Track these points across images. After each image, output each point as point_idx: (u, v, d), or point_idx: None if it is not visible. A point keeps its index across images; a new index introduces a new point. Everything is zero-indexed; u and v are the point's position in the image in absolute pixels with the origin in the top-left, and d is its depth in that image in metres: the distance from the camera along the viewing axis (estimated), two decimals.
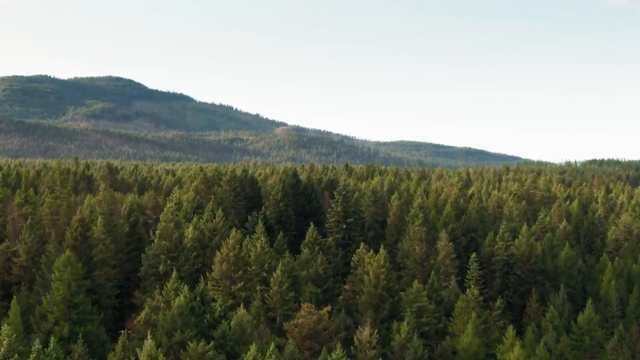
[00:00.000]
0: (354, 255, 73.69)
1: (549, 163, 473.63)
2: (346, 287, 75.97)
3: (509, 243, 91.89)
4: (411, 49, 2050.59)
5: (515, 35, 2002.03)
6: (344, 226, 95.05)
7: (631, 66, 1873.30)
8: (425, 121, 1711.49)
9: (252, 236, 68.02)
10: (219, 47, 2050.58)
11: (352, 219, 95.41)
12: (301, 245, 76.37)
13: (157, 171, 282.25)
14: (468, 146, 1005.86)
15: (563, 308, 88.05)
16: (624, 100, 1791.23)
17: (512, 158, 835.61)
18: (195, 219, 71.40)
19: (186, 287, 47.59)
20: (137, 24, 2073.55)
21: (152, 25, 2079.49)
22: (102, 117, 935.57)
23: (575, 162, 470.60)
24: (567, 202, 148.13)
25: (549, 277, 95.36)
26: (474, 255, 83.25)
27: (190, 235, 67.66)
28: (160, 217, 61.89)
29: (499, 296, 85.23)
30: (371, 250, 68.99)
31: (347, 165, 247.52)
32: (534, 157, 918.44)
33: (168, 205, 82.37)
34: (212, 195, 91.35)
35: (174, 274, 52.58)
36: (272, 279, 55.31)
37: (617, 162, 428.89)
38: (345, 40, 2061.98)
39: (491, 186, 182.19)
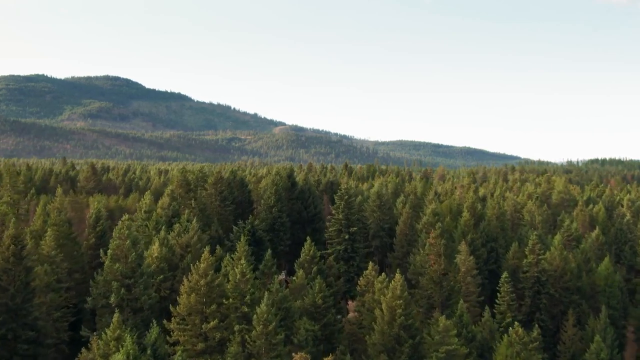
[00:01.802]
0: (361, 278, 59.97)
1: (550, 163, 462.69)
2: (350, 315, 62.50)
3: (540, 257, 78.34)
4: (410, 48, 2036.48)
5: (514, 35, 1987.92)
6: (347, 236, 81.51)
7: (630, 66, 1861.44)
8: (424, 121, 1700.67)
9: (233, 255, 54.63)
10: (217, 47, 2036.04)
11: (355, 228, 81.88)
12: (295, 265, 63.03)
13: (146, 172, 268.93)
14: (467, 146, 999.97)
15: (605, 334, 74.49)
16: (623, 101, 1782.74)
17: (512, 157, 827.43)
18: (162, 233, 57.84)
19: (130, 338, 34.24)
20: (134, 23, 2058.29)
21: (150, 25, 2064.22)
22: (99, 117, 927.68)
23: (578, 161, 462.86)
24: (591, 206, 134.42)
25: (586, 296, 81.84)
26: (505, 275, 69.65)
27: (156, 254, 54.23)
28: (114, 232, 48.61)
29: (534, 322, 71.70)
30: (383, 274, 55.30)
31: (346, 165, 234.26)
32: (533, 156, 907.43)
33: (137, 213, 68.94)
34: (192, 201, 77.90)
35: (116, 316, 39.06)
36: (255, 315, 42.10)
37: (619, 162, 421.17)
38: (344, 40, 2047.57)
39: (504, 188, 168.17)
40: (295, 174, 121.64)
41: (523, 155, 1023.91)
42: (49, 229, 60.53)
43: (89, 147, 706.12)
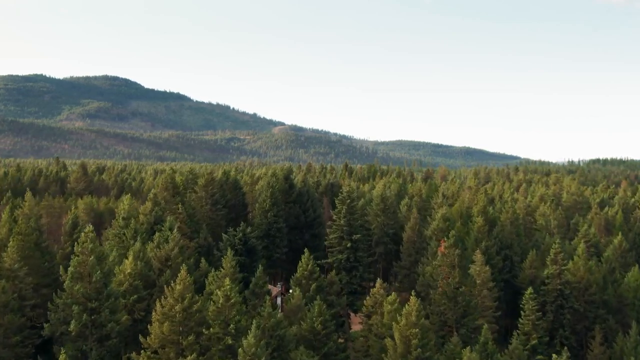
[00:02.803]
0: (368, 297, 52.31)
1: (551, 163, 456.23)
2: (354, 331, 54.92)
3: (563, 267, 70.81)
4: (409, 48, 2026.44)
5: (513, 35, 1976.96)
6: (349, 244, 74.04)
7: (630, 66, 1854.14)
8: (423, 121, 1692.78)
9: (218, 271, 47.01)
10: (216, 47, 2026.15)
11: (358, 235, 74.40)
12: (291, 281, 55.54)
13: (140, 172, 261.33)
14: (467, 146, 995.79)
15: (636, 353, 66.96)
16: (622, 101, 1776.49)
17: (511, 157, 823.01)
18: (138, 244, 50.08)
19: None
20: (133, 23, 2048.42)
21: (149, 25, 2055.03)
22: (97, 117, 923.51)
23: (579, 161, 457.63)
24: (607, 209, 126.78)
25: (613, 310, 74.29)
26: (529, 291, 62.01)
27: (129, 270, 46.61)
28: (75, 247, 41.06)
29: (556, 340, 64.24)
30: (393, 294, 47.51)
31: (346, 165, 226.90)
32: (533, 156, 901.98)
33: (114, 221, 61.33)
34: (178, 206, 70.46)
35: (62, 356, 31.57)
36: (241, 349, 34.57)
37: (621, 162, 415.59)
38: (344, 40, 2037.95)
39: (511, 189, 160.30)
40: (293, 175, 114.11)
41: (523, 155, 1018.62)
42: (12, 239, 53.00)
43: (87, 147, 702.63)
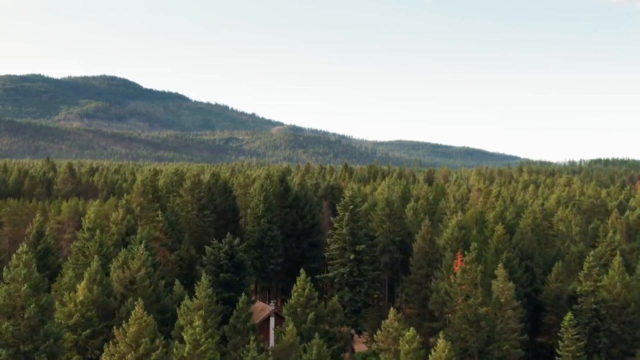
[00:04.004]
0: (379, 331, 42.99)
1: (551, 163, 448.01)
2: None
3: (598, 284, 61.75)
4: (408, 48, 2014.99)
5: (512, 35, 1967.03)
6: (352, 256, 64.97)
7: (629, 66, 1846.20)
8: (422, 121, 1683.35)
9: (193, 297, 37.86)
10: (215, 47, 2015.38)
11: (363, 246, 65.33)
12: (284, 308, 46.36)
13: (134, 173, 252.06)
14: (466, 146, 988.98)
15: None
16: (621, 101, 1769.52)
17: (511, 157, 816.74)
18: (94, 264, 40.58)
19: None
20: (132, 23, 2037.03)
21: (147, 25, 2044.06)
22: (95, 117, 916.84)
23: (580, 161, 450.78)
24: (628, 213, 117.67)
25: None
26: (569, 316, 52.82)
27: (81, 298, 37.36)
28: (4, 272, 31.99)
29: None
30: (412, 329, 38.28)
31: (346, 166, 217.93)
32: (532, 156, 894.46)
33: (79, 232, 51.98)
34: (158, 213, 61.39)
35: None
36: None
37: (623, 162, 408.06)
38: (343, 40, 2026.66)
39: (522, 191, 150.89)
40: (289, 177, 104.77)
41: (522, 155, 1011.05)
42: None
43: (84, 147, 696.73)
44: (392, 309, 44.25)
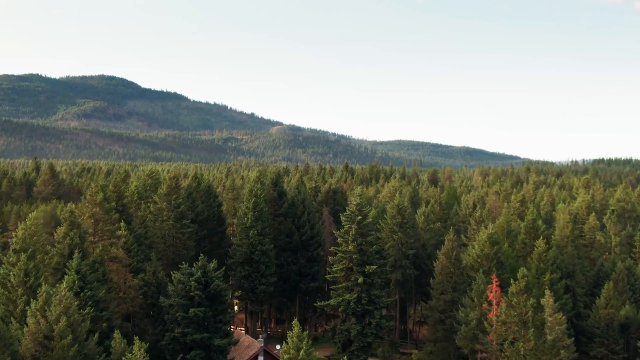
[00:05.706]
0: None
1: (553, 163, 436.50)
2: None
3: None
4: (408, 48, 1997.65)
5: (512, 35, 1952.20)
6: (360, 279, 52.46)
7: (629, 66, 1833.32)
8: (422, 120, 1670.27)
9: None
10: (214, 46, 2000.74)
11: (374, 267, 52.80)
12: (282, 350, 33.89)
13: (125, 172, 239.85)
14: (466, 145, 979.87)
15: None
16: (621, 101, 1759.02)
17: (511, 157, 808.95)
18: (21, 305, 27.94)
19: None
20: (131, 23, 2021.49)
21: (146, 24, 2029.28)
22: (93, 117, 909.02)
23: (583, 161, 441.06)
24: None
25: None
26: None
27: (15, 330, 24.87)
28: None
29: None
30: None
31: (347, 166, 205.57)
32: (532, 156, 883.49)
33: (5, 258, 39.63)
34: (120, 225, 49.08)
35: None
36: None
37: (627, 162, 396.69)
38: (342, 40, 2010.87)
39: (545, 195, 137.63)
40: (284, 179, 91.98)
41: (522, 155, 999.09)
42: None
43: (82, 147, 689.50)
44: (415, 352, 31.70)
